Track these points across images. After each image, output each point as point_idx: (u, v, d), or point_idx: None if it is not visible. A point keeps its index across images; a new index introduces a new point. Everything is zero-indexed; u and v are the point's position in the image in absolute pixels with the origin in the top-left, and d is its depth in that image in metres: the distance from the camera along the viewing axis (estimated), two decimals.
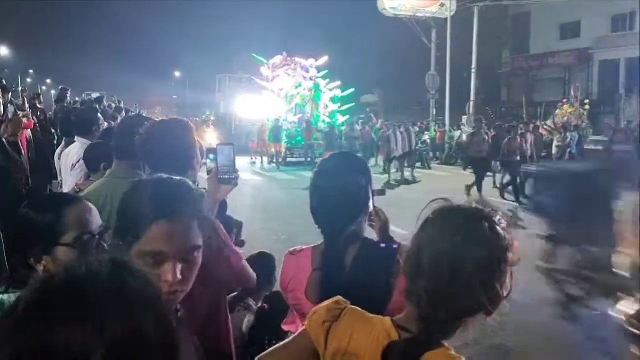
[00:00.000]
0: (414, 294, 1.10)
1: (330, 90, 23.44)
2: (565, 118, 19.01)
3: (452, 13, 24.72)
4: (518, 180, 11.21)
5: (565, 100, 21.39)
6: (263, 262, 3.02)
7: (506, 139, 11.71)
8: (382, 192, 1.83)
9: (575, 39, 28.39)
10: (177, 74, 61.12)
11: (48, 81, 54.01)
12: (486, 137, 12.10)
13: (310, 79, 23.24)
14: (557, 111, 20.30)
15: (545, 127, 17.87)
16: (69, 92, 9.34)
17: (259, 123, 22.48)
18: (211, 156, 1.91)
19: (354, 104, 23.76)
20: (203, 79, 43.26)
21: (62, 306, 0.74)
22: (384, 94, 33.01)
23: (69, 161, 3.72)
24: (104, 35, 66.50)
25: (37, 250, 1.37)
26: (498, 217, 1.12)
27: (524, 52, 31.58)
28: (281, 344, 1.26)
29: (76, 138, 3.91)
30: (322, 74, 23.39)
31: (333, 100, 23.43)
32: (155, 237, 1.21)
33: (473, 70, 24.90)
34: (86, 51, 63.49)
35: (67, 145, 4.25)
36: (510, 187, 11.53)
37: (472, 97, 24.96)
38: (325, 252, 1.67)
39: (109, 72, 50.03)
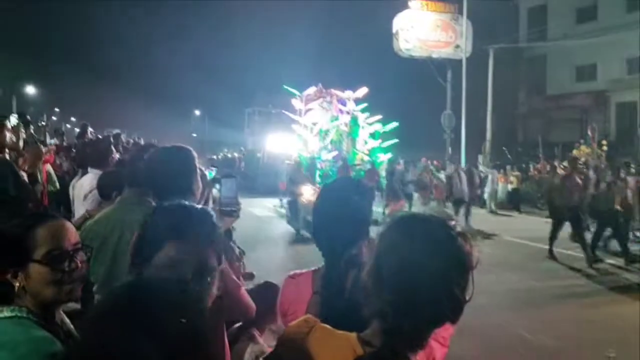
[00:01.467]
0: (378, 309, 1.09)
1: (370, 124, 21.23)
2: (583, 158, 18.85)
3: (468, 55, 25.01)
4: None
5: (582, 141, 21.28)
6: (268, 291, 3.01)
7: (605, 184, 10.60)
8: (374, 222, 1.85)
9: (591, 81, 28.43)
10: (197, 112, 62.24)
11: (72, 119, 55.43)
12: (579, 182, 10.24)
13: (348, 112, 21.15)
14: (574, 151, 20.16)
15: (562, 167, 17.72)
16: (89, 128, 9.58)
17: (291, 161, 19.94)
18: (217, 186, 1.96)
19: (397, 140, 21.66)
20: (224, 116, 44.00)
21: (126, 318, 0.87)
22: (400, 131, 33.05)
23: (82, 191, 3.81)
24: (129, 76, 68.44)
25: (13, 266, 1.39)
26: (453, 223, 1.13)
27: (540, 94, 31.65)
28: None
29: (89, 169, 4.01)
30: (361, 107, 21.26)
31: (374, 136, 21.25)
32: (166, 254, 1.27)
33: (488, 110, 24.98)
34: (111, 91, 65.28)
35: (82, 176, 4.35)
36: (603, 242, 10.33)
37: (488, 137, 24.96)
38: (326, 276, 1.68)
39: (131, 111, 51.35)
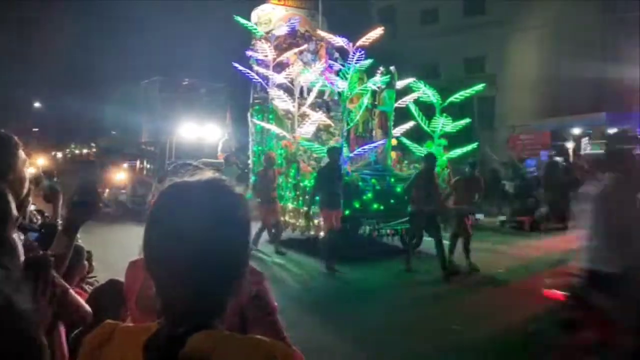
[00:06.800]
0: (156, 286, 1.04)
1: (416, 89, 12.45)
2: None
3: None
4: None
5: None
6: (113, 291, 2.78)
7: None
8: None
9: (435, 79, 30.89)
10: (37, 104, 55.28)
11: None
12: None
13: (340, 69, 12.29)
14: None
15: None
16: None
17: (234, 161, 12.86)
18: (43, 177, 1.84)
19: (469, 119, 12.91)
20: (107, 94, 36.21)
21: None
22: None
23: None
24: None
25: None
26: (217, 175, 1.11)
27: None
28: None
29: None
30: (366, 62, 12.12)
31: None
32: None
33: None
34: None
35: None
36: None
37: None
38: None
39: None
